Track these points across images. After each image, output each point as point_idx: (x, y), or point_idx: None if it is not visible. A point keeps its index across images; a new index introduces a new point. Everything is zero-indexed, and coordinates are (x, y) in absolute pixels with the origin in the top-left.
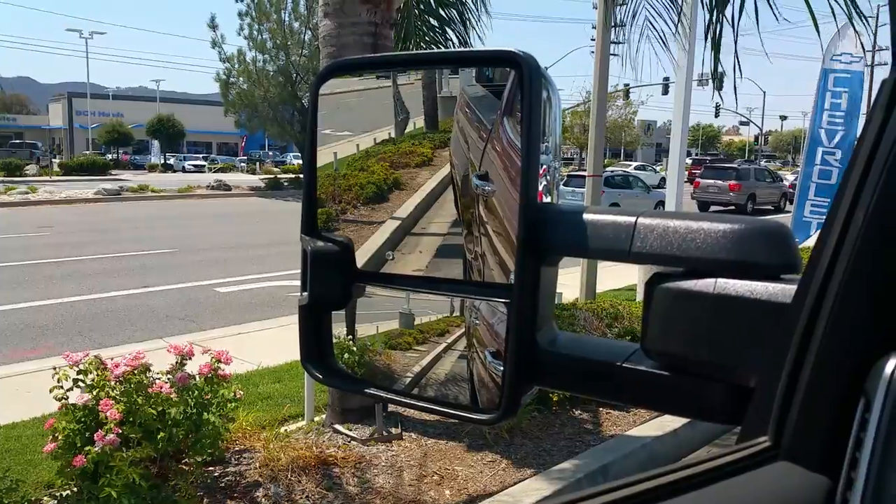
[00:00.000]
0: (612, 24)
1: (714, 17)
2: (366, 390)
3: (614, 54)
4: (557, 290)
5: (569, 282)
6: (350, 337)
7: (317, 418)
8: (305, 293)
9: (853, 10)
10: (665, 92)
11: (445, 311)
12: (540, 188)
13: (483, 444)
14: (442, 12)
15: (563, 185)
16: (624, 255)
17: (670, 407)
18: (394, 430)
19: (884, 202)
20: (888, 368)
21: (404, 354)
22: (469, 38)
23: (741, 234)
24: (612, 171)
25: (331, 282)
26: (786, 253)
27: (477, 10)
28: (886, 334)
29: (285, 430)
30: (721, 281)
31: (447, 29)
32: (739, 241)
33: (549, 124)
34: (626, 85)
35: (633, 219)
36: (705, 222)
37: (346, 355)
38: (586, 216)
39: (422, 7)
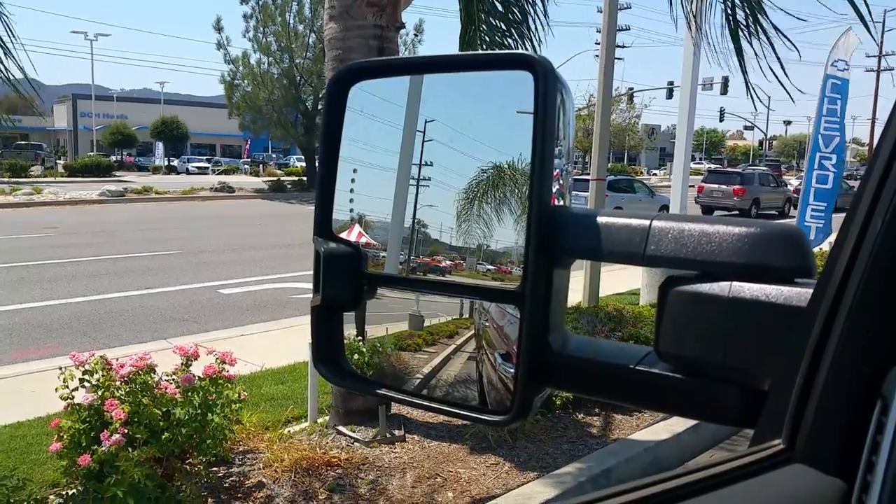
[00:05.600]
0: (617, 27)
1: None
2: (377, 391)
3: (619, 58)
4: None
5: (572, 285)
6: (360, 338)
7: (320, 420)
8: (318, 294)
9: (858, 13)
10: (669, 96)
11: (455, 313)
12: (553, 192)
13: (486, 446)
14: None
15: None
16: (638, 258)
17: (683, 409)
18: (397, 433)
19: None
20: None
21: (413, 356)
22: (537, 34)
23: (756, 238)
24: (625, 177)
25: (343, 283)
26: (801, 256)
27: (535, 14)
28: None
29: (289, 431)
30: (736, 284)
31: (512, 30)
32: (754, 244)
33: (563, 128)
34: (630, 89)
35: (647, 222)
36: (720, 225)
37: (355, 356)
38: (600, 219)
39: (486, 9)
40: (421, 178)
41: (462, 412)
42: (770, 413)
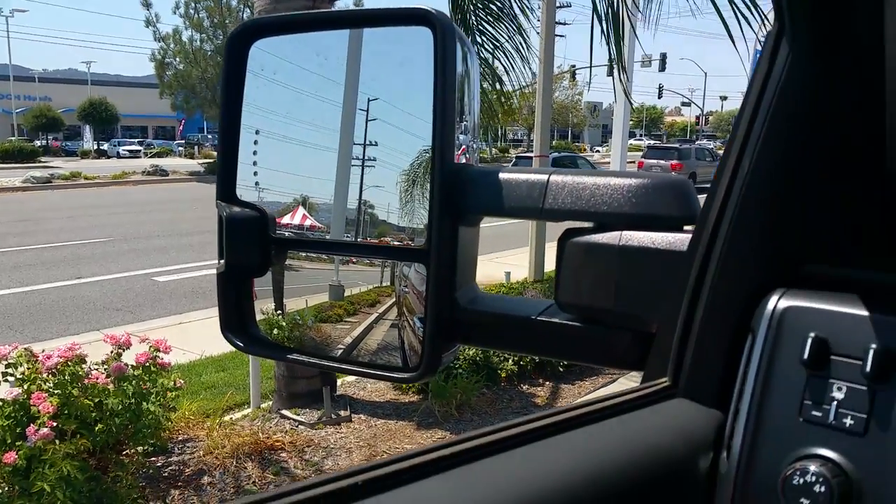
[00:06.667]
0: (557, 4)
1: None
2: (288, 356)
3: (560, 35)
4: (506, 270)
5: (518, 262)
6: (279, 311)
7: (263, 405)
8: (222, 261)
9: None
10: (610, 73)
11: (376, 282)
12: (456, 151)
13: (433, 422)
14: None
15: (512, 166)
16: (537, 212)
17: (580, 356)
18: (342, 413)
19: (766, 148)
20: (770, 305)
21: (335, 327)
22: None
23: (645, 189)
24: (568, 154)
25: (248, 248)
26: (687, 205)
27: None
28: (771, 275)
29: (230, 418)
30: (626, 233)
31: None
32: (644, 195)
33: (469, 102)
34: (572, 66)
35: (545, 177)
36: (613, 178)
37: (275, 331)
38: (502, 175)
39: None
40: (360, 155)
41: (370, 371)
42: (657, 354)
